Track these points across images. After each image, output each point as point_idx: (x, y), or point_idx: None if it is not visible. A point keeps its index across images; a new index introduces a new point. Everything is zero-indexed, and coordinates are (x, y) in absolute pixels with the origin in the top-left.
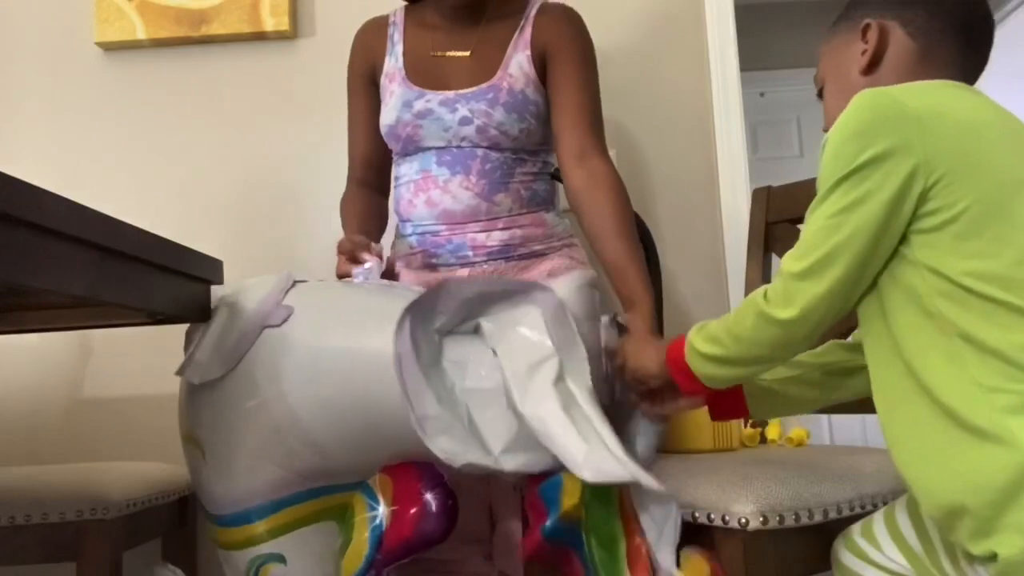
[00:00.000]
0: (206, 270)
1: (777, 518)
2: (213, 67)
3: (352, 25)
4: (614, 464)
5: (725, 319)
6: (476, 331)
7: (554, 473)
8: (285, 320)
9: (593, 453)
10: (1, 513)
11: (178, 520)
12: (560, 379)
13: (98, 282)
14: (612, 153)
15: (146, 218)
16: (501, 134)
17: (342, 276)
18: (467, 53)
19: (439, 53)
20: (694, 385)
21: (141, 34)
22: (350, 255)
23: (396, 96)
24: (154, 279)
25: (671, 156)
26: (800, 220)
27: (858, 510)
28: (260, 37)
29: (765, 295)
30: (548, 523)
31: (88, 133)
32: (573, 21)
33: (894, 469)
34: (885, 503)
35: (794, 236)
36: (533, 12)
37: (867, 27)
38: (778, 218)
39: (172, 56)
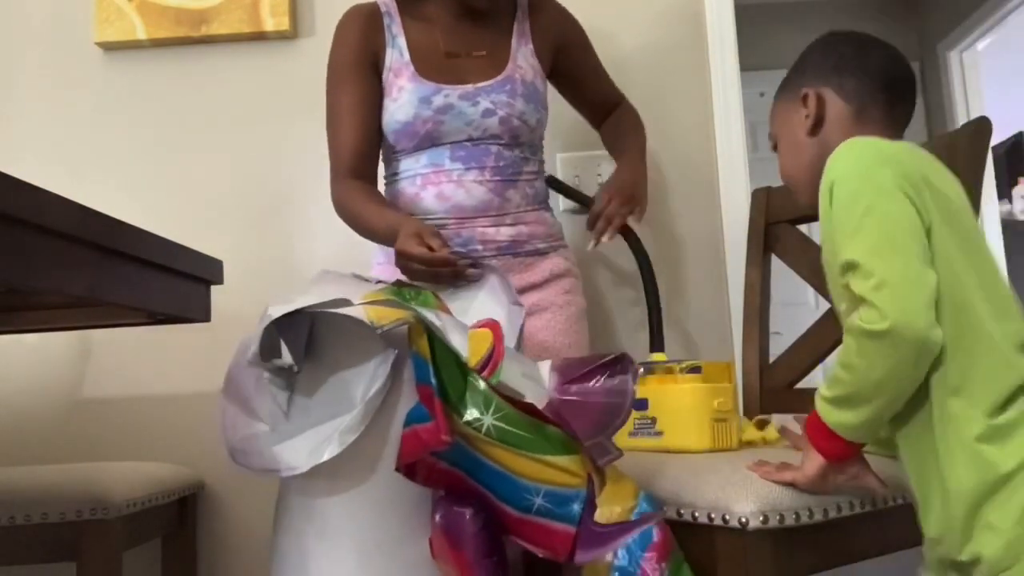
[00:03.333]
0: (206, 270)
1: (777, 518)
2: (213, 67)
3: None
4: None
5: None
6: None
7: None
8: None
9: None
10: (1, 513)
11: (178, 520)
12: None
13: (98, 282)
14: None
15: (146, 218)
16: (522, 123)
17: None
18: (483, 52)
19: (455, 52)
20: (831, 443)
21: (141, 34)
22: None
23: (409, 92)
24: (154, 279)
25: (671, 156)
26: (800, 220)
27: (858, 510)
28: (260, 37)
29: (860, 315)
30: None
31: (88, 133)
32: (566, 10)
33: (893, 468)
34: (885, 503)
35: (794, 236)
36: (525, 1)
37: (806, 96)
38: (778, 218)
39: (172, 56)
